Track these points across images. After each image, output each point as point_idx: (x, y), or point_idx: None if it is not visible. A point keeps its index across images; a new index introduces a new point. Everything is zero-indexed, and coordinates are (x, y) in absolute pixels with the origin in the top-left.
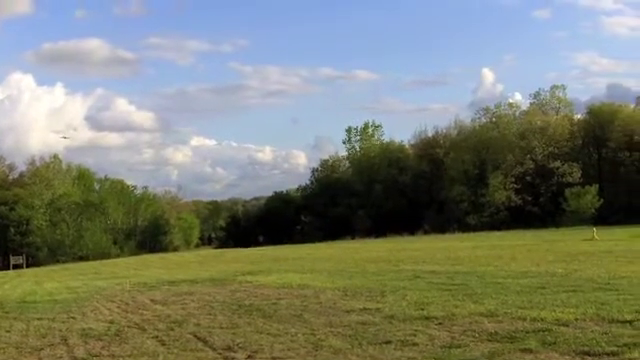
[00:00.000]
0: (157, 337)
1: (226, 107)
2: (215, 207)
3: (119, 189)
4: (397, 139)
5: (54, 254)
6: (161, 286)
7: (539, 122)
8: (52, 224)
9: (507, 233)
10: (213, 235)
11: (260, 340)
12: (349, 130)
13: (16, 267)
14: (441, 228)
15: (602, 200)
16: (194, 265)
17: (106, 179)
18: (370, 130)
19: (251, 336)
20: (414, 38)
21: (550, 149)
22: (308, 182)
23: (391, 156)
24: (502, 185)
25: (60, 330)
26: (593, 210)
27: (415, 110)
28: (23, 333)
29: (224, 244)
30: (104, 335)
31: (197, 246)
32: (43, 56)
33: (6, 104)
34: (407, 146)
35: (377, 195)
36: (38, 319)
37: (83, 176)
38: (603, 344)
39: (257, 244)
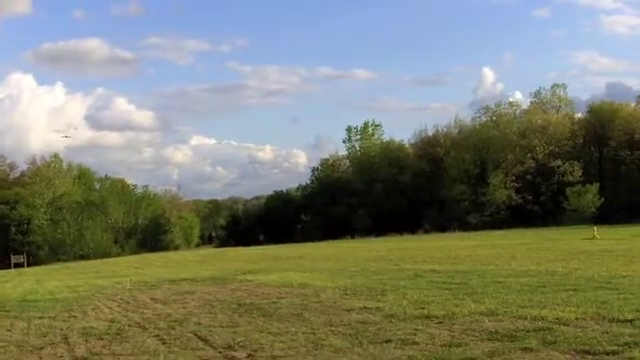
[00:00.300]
0: (158, 336)
1: (226, 106)
2: (215, 206)
3: (120, 188)
4: (397, 138)
5: (55, 253)
6: (162, 285)
7: (540, 121)
8: (53, 223)
9: (508, 232)
10: (213, 234)
11: (260, 339)
12: (349, 129)
13: (17, 266)
14: (441, 227)
15: (603, 199)
16: (194, 264)
17: (106, 178)
18: (370, 129)
19: (251, 335)
20: (414, 37)
21: (551, 148)
22: (308, 181)
23: (391, 155)
24: (503, 184)
25: (61, 329)
26: (594, 209)
27: (415, 109)
28: (24, 332)
29: (224, 243)
30: (105, 334)
31: (197, 245)
32: (43, 56)
33: (6, 104)
34: (407, 145)
35: (377, 194)
36: (39, 318)
37: (84, 175)
38: (604, 343)
39: (257, 243)
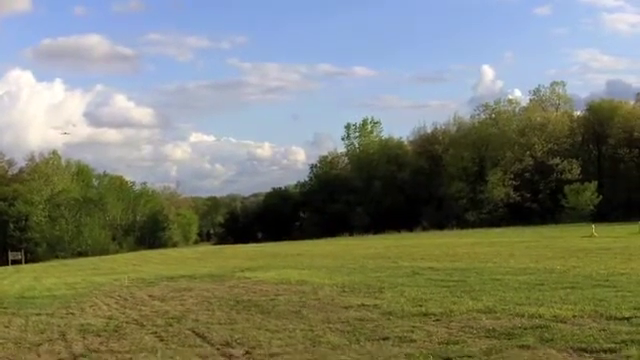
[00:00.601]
0: (155, 333)
1: (225, 103)
2: (214, 203)
3: (118, 185)
4: (396, 136)
5: (53, 250)
6: (160, 282)
7: (539, 118)
8: (51, 220)
9: (506, 230)
10: (212, 231)
11: (258, 336)
12: (348, 127)
13: (15, 263)
14: (440, 225)
15: (601, 197)
16: (193, 261)
17: (105, 175)
18: (369, 126)
19: (249, 332)
20: (414, 34)
21: (549, 146)
22: (307, 178)
23: (390, 152)
24: (501, 182)
25: (59, 326)
26: (592, 207)
27: (414, 107)
28: (22, 328)
29: (223, 240)
30: (102, 331)
31: (196, 242)
32: (42, 52)
33: (5, 100)
34: (406, 143)
35: (376, 191)
36: (37, 315)
37: (82, 172)
38: (601, 341)
39: (256, 240)
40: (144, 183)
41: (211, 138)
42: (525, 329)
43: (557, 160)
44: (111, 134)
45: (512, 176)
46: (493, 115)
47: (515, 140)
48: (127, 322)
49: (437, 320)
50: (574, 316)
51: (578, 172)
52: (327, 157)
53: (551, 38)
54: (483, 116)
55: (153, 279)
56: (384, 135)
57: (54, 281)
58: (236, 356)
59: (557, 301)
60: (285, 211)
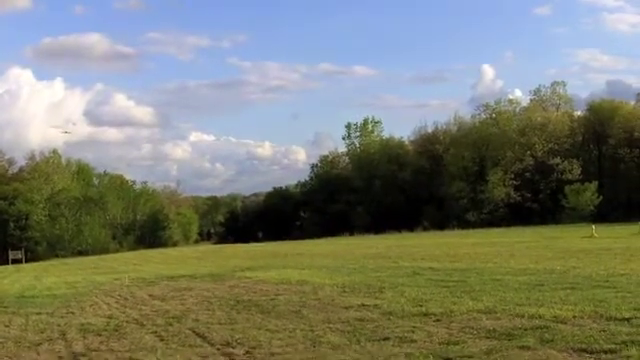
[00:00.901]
0: (156, 332)
1: (226, 102)
2: (214, 202)
3: (118, 184)
4: (397, 135)
5: (53, 249)
6: (160, 281)
7: (539, 118)
8: (51, 219)
9: (506, 230)
10: (212, 230)
11: (258, 336)
12: (349, 126)
13: (15, 262)
14: (440, 224)
15: (602, 197)
16: (193, 260)
17: (105, 174)
18: (370, 126)
19: (249, 332)
20: (414, 34)
21: (550, 145)
22: (307, 178)
23: (390, 152)
24: (502, 182)
25: (59, 325)
26: (592, 207)
27: (415, 106)
28: (22, 328)
29: (223, 239)
30: (103, 330)
31: (196, 241)
32: (42, 51)
33: (5, 99)
34: (407, 142)
35: (376, 191)
36: (37, 314)
37: (82, 171)
38: (601, 341)
39: (256, 240)
40: (144, 182)
41: (211, 137)
42: (525, 330)
43: (557, 160)
44: (111, 133)
45: (512, 176)
46: (494, 115)
47: (515, 140)
48: (127, 321)
49: (437, 320)
50: (574, 317)
51: (578, 172)
52: (328, 157)
53: (551, 38)
54: (484, 116)
55: (153, 278)
56: (385, 135)
57: (54, 280)
58: (236, 356)
59: (557, 302)
60: (285, 211)
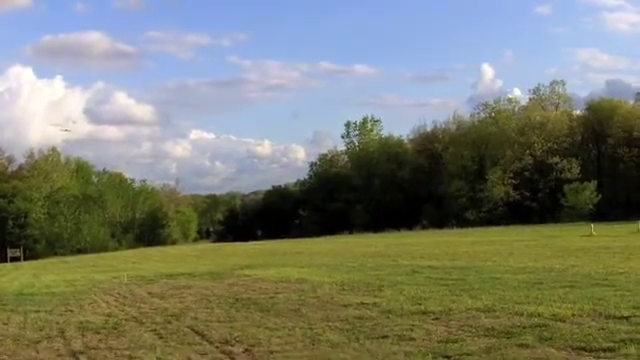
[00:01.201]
0: (155, 330)
1: (225, 101)
2: (213, 201)
3: (117, 182)
4: (396, 134)
5: (52, 247)
6: (159, 279)
7: (538, 117)
8: (50, 217)
9: (505, 228)
10: (211, 229)
11: (257, 334)
12: (348, 125)
13: (14, 260)
14: (439, 223)
15: (600, 196)
16: (192, 259)
17: (104, 172)
18: (369, 125)
19: (248, 330)
20: (414, 33)
21: (549, 145)
22: (307, 176)
23: (390, 151)
24: (501, 180)
25: (57, 323)
26: (591, 206)
27: (414, 105)
28: (20, 326)
29: (222, 238)
30: (102, 328)
31: (195, 240)
32: (43, 49)
33: (6, 97)
34: (406, 141)
35: (375, 190)
36: (36, 312)
37: (82, 169)
38: (600, 340)
39: (255, 238)
40: (144, 180)
41: (211, 135)
42: (524, 328)
43: (556, 159)
44: (111, 131)
45: (512, 175)
46: (493, 114)
47: (515, 139)
48: (126, 319)
49: (436, 319)
50: (573, 315)
51: (577, 171)
52: (327, 155)
53: (551, 37)
54: (483, 115)
55: (152, 277)
56: (384, 133)
57: (53, 278)
58: (235, 354)
59: (556, 300)
60: (285, 209)
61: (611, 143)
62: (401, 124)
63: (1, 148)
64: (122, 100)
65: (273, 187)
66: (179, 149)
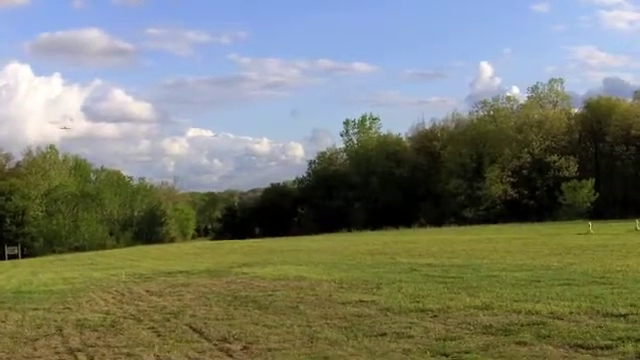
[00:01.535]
0: (153, 328)
1: (224, 98)
2: (211, 198)
3: (115, 180)
4: (395, 132)
5: (50, 245)
6: (157, 277)
7: (536, 116)
8: (48, 214)
9: (503, 226)
10: (209, 227)
11: (256, 331)
12: (347, 122)
13: (11, 257)
14: (437, 221)
15: (598, 194)
16: (190, 256)
17: (102, 170)
18: (368, 123)
19: (247, 327)
20: (413, 31)
21: (547, 143)
22: (305, 174)
23: (388, 149)
24: (499, 178)
25: (55, 320)
26: (589, 204)
27: (413, 103)
28: (18, 323)
29: (220, 236)
30: (100, 326)
31: (193, 237)
32: (41, 46)
33: (3, 94)
34: (404, 139)
35: (374, 188)
36: (34, 309)
37: (79, 167)
38: (597, 337)
39: (253, 236)
40: (142, 178)
41: (209, 133)
42: (522, 325)
43: (554, 157)
44: (109, 129)
45: (510, 173)
46: (491, 112)
47: (513, 137)
48: (124, 317)
49: (434, 316)
50: (570, 313)
51: (575, 169)
52: (325, 153)
53: (549, 35)
54: (481, 113)
55: (150, 274)
56: (383, 131)
57: (51, 276)
58: (233, 351)
59: (554, 298)
60: (283, 207)
61: (609, 141)
62: (400, 122)
63: None
64: (120, 97)
65: (271, 185)
66: (177, 147)
